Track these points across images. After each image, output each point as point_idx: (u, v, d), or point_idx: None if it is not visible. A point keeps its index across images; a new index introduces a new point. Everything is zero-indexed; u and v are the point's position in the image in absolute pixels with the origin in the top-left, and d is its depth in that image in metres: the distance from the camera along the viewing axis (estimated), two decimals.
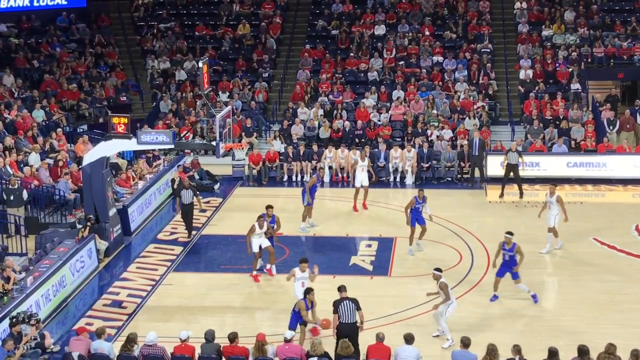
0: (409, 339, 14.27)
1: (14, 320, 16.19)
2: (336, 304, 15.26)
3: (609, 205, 25.44)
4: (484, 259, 20.59)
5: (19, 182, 23.00)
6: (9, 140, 25.53)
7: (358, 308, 15.25)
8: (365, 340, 14.98)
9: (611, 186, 26.90)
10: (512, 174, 25.79)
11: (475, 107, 30.56)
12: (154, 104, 33.26)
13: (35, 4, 34.70)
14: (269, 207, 20.30)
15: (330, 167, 28.01)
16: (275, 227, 20.33)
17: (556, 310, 17.99)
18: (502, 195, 25.81)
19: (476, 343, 14.78)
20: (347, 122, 30.31)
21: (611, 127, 29.49)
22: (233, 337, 14.68)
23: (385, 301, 18.37)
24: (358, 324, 15.30)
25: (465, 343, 14.16)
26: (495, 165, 26.94)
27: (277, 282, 19.60)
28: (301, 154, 28.29)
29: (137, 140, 20.28)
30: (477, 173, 27.32)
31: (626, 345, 14.16)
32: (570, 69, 32.44)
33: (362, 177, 24.39)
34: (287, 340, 14.58)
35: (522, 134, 29.48)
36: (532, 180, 26.69)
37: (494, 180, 26.77)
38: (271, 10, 36.72)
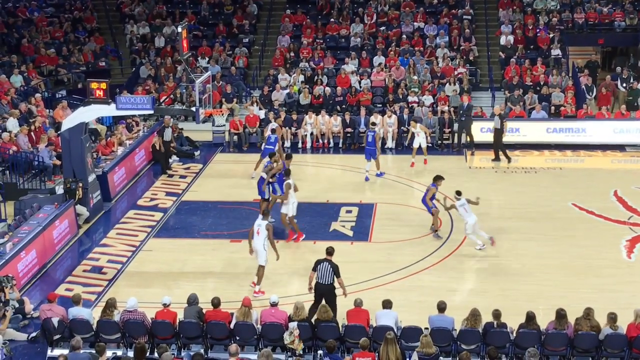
0: (387, 304, 14.49)
1: (1, 285, 16.08)
2: (317, 263, 15.69)
3: (588, 171, 25.59)
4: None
5: None
6: None
7: (337, 274, 15.48)
8: (344, 304, 15.12)
9: (590, 152, 27.04)
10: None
11: (456, 72, 30.52)
12: (133, 69, 33.00)
13: None
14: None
15: (311, 134, 27.97)
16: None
17: (534, 275, 18.11)
18: (496, 159, 25.92)
19: (456, 307, 14.95)
20: (327, 88, 30.21)
21: (590, 93, 29.58)
22: (217, 303, 14.73)
23: (365, 267, 18.46)
24: (338, 290, 15.51)
25: (441, 307, 14.37)
26: (476, 131, 27.05)
27: None
28: (282, 120, 28.15)
29: (116, 106, 20.15)
30: (463, 139, 27.25)
31: (603, 309, 14.30)
32: (551, 35, 32.46)
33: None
34: (273, 305, 14.67)
35: (502, 100, 29.50)
36: (512, 146, 26.72)
37: (478, 146, 26.84)
38: None
